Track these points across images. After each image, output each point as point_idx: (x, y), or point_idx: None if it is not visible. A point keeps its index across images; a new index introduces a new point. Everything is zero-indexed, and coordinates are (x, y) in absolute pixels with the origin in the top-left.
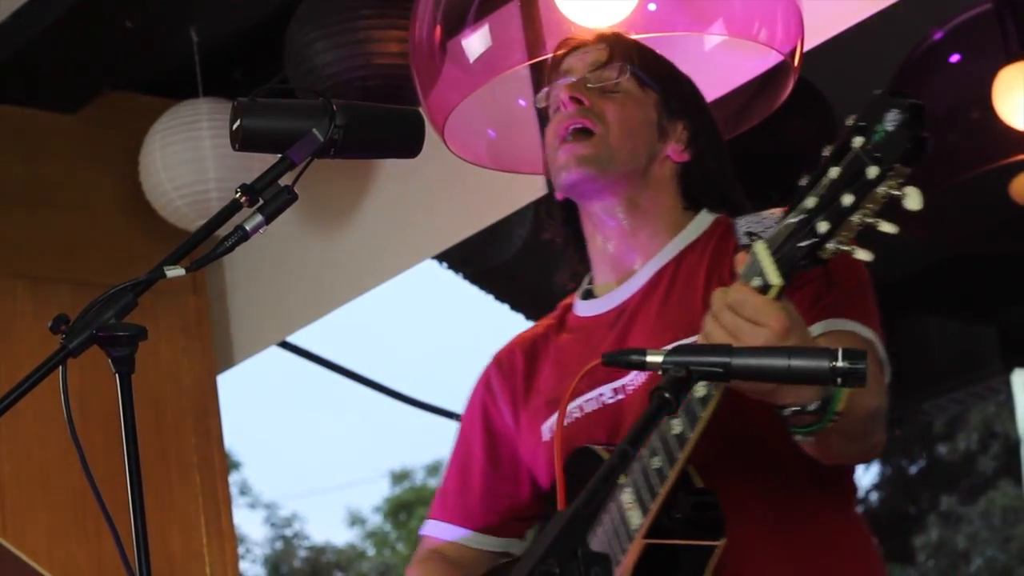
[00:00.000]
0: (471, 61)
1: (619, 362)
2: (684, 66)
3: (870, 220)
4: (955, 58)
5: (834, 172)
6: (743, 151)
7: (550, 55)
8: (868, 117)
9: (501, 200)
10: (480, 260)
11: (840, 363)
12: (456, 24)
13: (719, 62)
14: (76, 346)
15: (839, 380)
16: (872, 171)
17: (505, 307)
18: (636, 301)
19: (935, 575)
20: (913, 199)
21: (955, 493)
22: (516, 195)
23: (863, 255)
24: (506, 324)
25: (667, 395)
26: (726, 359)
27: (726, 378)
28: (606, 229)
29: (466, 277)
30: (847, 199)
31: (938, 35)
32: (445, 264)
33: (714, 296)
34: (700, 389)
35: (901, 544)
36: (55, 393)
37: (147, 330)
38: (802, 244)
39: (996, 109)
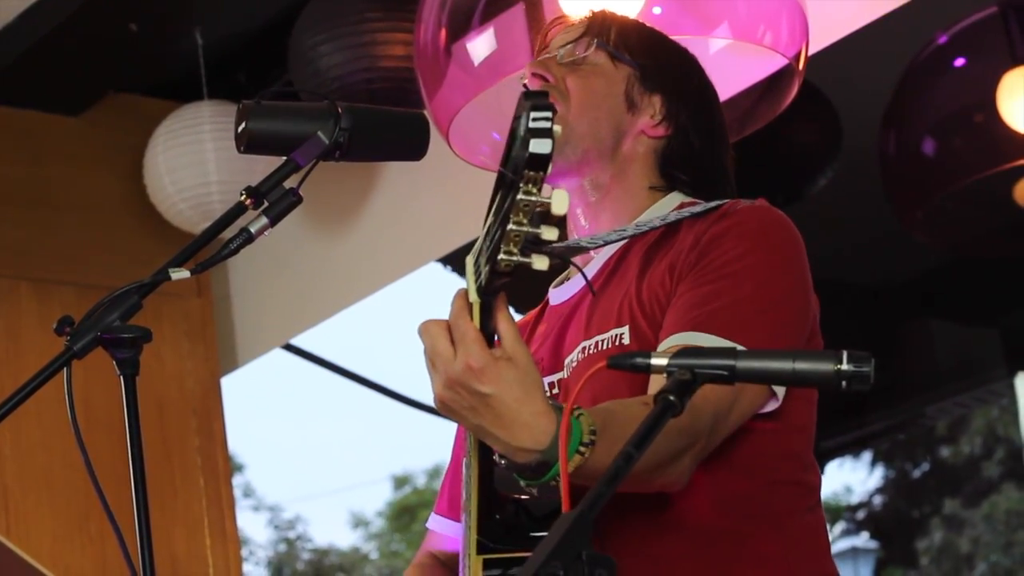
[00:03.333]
0: (476, 64)
1: (623, 365)
2: None
3: (528, 229)
4: (959, 62)
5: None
6: (748, 155)
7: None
8: (513, 121)
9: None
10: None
11: (845, 366)
12: (461, 27)
13: (724, 65)
14: (81, 348)
15: (843, 384)
16: (508, 179)
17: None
18: (581, 292)
19: None
20: (559, 203)
21: (958, 497)
22: None
23: (540, 264)
24: None
25: (672, 398)
26: (731, 362)
27: (731, 381)
28: (574, 212)
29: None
30: (501, 209)
31: (943, 39)
32: (449, 267)
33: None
34: None
35: (904, 548)
36: (59, 395)
37: (151, 332)
38: (485, 257)
39: (1000, 113)
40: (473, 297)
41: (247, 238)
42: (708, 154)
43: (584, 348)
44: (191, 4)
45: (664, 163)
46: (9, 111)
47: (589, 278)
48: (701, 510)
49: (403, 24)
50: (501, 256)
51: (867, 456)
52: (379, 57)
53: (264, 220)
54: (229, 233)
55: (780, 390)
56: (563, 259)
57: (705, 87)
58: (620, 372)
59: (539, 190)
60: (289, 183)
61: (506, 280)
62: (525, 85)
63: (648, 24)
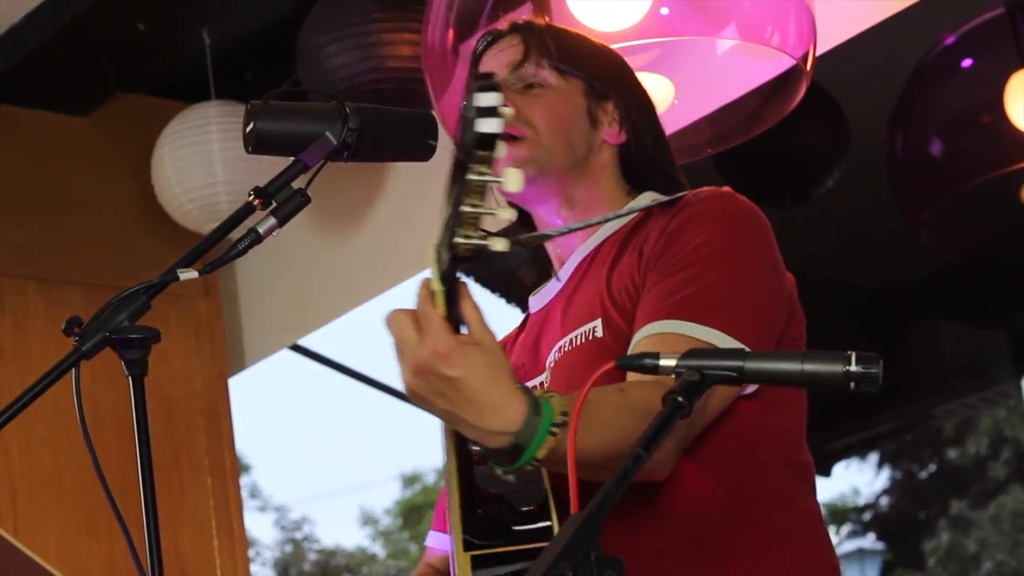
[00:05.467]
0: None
1: (632, 366)
2: (696, 70)
3: (483, 210)
4: (967, 62)
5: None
6: (755, 155)
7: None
8: (464, 104)
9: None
10: (491, 263)
11: (853, 367)
12: (468, 27)
13: (732, 66)
14: (89, 348)
15: (852, 385)
16: (460, 160)
17: (516, 310)
18: (557, 296)
19: None
20: (512, 181)
21: (965, 498)
22: None
23: (498, 245)
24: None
25: (680, 399)
26: (739, 363)
27: (739, 382)
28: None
29: (477, 280)
30: (453, 191)
31: (950, 39)
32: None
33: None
34: None
35: (911, 548)
36: (68, 395)
37: (160, 333)
38: (445, 243)
39: (1008, 113)
40: (436, 285)
41: (255, 239)
42: (661, 149)
43: (560, 347)
44: (199, 4)
45: (626, 167)
46: (17, 111)
47: (564, 279)
48: (689, 497)
49: (411, 25)
50: (458, 239)
51: (874, 457)
52: (387, 57)
53: (272, 221)
54: (237, 234)
55: None
56: (526, 245)
57: (636, 81)
58: (593, 366)
59: (490, 169)
60: (297, 183)
61: (468, 265)
62: (477, 75)
63: (657, 26)
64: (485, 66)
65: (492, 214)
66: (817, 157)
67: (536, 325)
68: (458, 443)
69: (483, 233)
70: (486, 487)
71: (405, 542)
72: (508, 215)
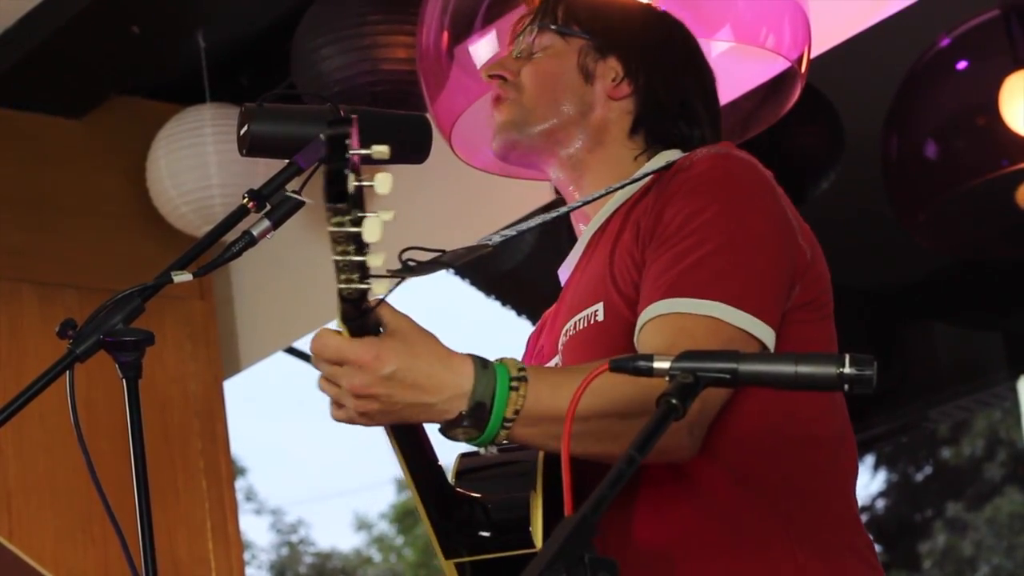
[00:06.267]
0: (478, 67)
1: (626, 368)
2: None
3: (352, 258)
4: (962, 65)
5: None
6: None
7: None
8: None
9: (508, 206)
10: (487, 266)
11: (847, 370)
12: (463, 29)
13: (725, 68)
14: (83, 351)
15: (846, 387)
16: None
17: (511, 313)
18: (573, 272)
19: None
20: (369, 232)
21: (961, 500)
22: (523, 201)
23: (380, 287)
24: (512, 329)
25: (674, 401)
26: (733, 365)
27: (734, 384)
28: (567, 190)
29: (473, 283)
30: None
31: (945, 42)
32: (451, 270)
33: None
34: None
35: (907, 551)
36: (62, 398)
37: (154, 335)
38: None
39: (1003, 115)
40: (340, 326)
41: (249, 241)
42: (677, 102)
43: (566, 330)
44: (194, 7)
45: (637, 123)
46: (11, 114)
47: (579, 254)
48: (707, 480)
49: (405, 27)
50: (341, 286)
51: (869, 459)
52: (381, 60)
53: (267, 223)
54: (232, 236)
55: (770, 341)
56: (452, 264)
57: (670, 35)
58: (595, 353)
59: (350, 219)
60: (292, 186)
61: (366, 307)
62: (497, 75)
63: None
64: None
65: (363, 263)
66: (812, 159)
67: (558, 302)
68: (408, 457)
69: (364, 277)
70: (466, 490)
71: (400, 546)
72: (377, 261)
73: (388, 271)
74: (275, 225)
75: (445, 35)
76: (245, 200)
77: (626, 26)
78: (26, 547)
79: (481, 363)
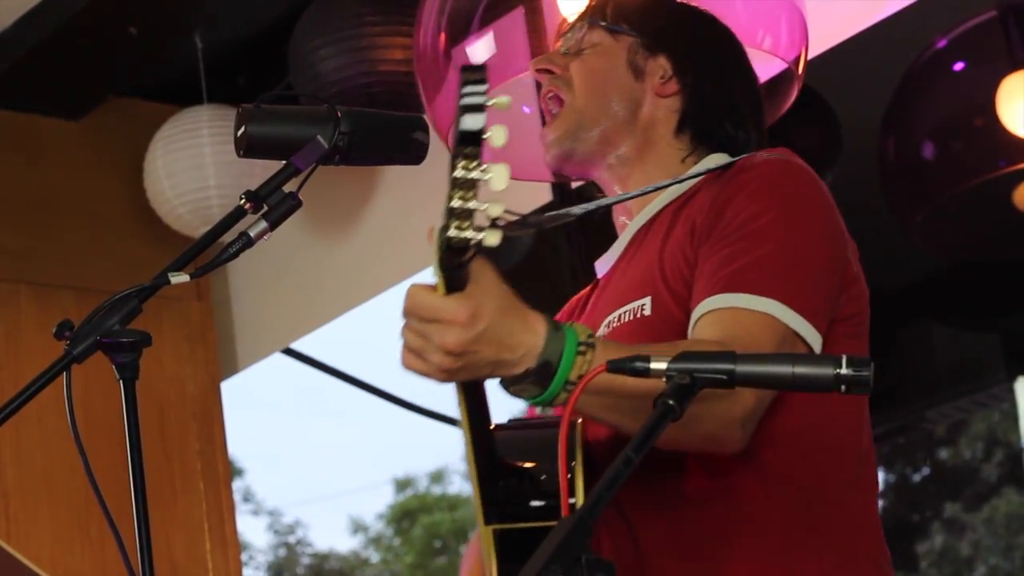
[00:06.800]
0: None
1: (623, 369)
2: None
3: (473, 205)
4: (959, 66)
5: None
6: None
7: None
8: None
9: (505, 207)
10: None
11: (844, 370)
12: (460, 31)
13: None
14: (80, 352)
15: (843, 388)
16: (451, 154)
17: None
18: (614, 265)
19: None
20: (497, 179)
21: (959, 501)
22: (520, 202)
23: (492, 239)
24: None
25: (671, 402)
26: (730, 366)
27: (730, 384)
28: (612, 191)
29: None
30: (448, 186)
31: (942, 43)
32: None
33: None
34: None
35: (904, 552)
36: (59, 399)
37: (151, 336)
38: (440, 234)
39: (1000, 117)
40: (436, 272)
41: (247, 242)
42: (724, 102)
43: (609, 322)
44: (191, 8)
45: (683, 122)
46: (9, 115)
47: (622, 248)
48: (740, 480)
49: (402, 28)
50: (451, 233)
51: None
52: (379, 61)
53: (264, 224)
54: (229, 237)
55: (817, 345)
56: (540, 228)
57: (717, 38)
58: (643, 336)
59: (477, 165)
60: (289, 187)
61: (467, 258)
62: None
63: None
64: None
65: (482, 210)
66: (809, 160)
67: (597, 293)
68: (472, 412)
69: (476, 227)
70: (510, 458)
71: (397, 547)
72: (497, 210)
73: (527, 221)
74: (272, 226)
75: (442, 36)
76: (242, 201)
77: (675, 25)
78: (23, 548)
79: (553, 325)
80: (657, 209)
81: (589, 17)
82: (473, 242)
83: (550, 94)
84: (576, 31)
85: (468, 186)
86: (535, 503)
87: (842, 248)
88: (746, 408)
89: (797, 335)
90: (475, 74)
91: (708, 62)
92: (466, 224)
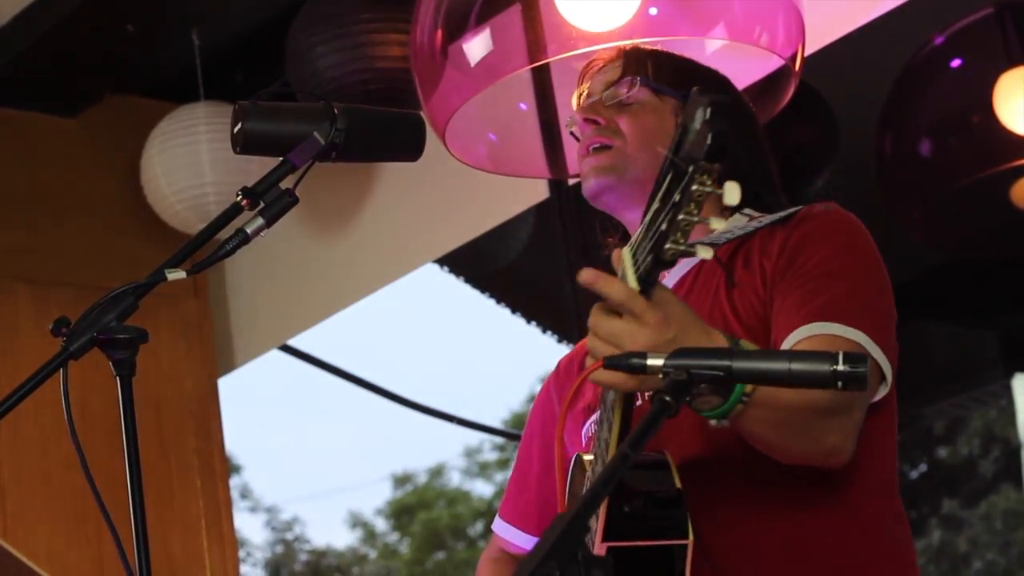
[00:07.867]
0: (472, 65)
1: (619, 365)
2: None
3: (696, 219)
4: (956, 63)
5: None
6: None
7: (579, 70)
8: (684, 117)
9: (502, 204)
10: (481, 264)
11: (841, 367)
12: (457, 28)
13: (720, 66)
14: (77, 349)
15: (839, 384)
16: (686, 170)
17: (506, 311)
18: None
19: None
20: (730, 194)
21: (956, 497)
22: (517, 199)
23: (704, 253)
24: (507, 328)
25: (668, 399)
26: (727, 362)
27: (728, 381)
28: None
29: (467, 281)
30: (674, 199)
31: (939, 40)
32: (446, 268)
33: (592, 311)
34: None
35: None
36: (56, 396)
37: (148, 333)
38: (647, 247)
39: (997, 114)
40: (633, 284)
41: (243, 239)
42: (757, 167)
43: None
44: (188, 5)
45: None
46: (6, 112)
47: (674, 283)
48: (855, 492)
49: (399, 25)
50: (668, 245)
51: None
52: (375, 58)
53: (260, 221)
54: (225, 234)
55: (890, 377)
56: (713, 244)
57: (741, 102)
58: None
59: (713, 181)
60: (285, 184)
61: (665, 269)
62: (572, 134)
63: (646, 27)
64: (587, 89)
65: (707, 224)
66: (806, 157)
67: None
68: (625, 419)
69: (688, 241)
70: (638, 486)
71: (395, 543)
72: (720, 224)
73: (689, 244)
74: (269, 223)
75: (439, 33)
76: (239, 198)
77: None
78: (20, 544)
79: (733, 340)
80: (692, 263)
81: (635, 73)
82: (676, 256)
83: (596, 143)
84: (620, 85)
85: (700, 200)
86: (648, 522)
87: (891, 287)
88: (856, 422)
89: (879, 366)
90: (717, 96)
91: (742, 128)
92: (680, 237)
